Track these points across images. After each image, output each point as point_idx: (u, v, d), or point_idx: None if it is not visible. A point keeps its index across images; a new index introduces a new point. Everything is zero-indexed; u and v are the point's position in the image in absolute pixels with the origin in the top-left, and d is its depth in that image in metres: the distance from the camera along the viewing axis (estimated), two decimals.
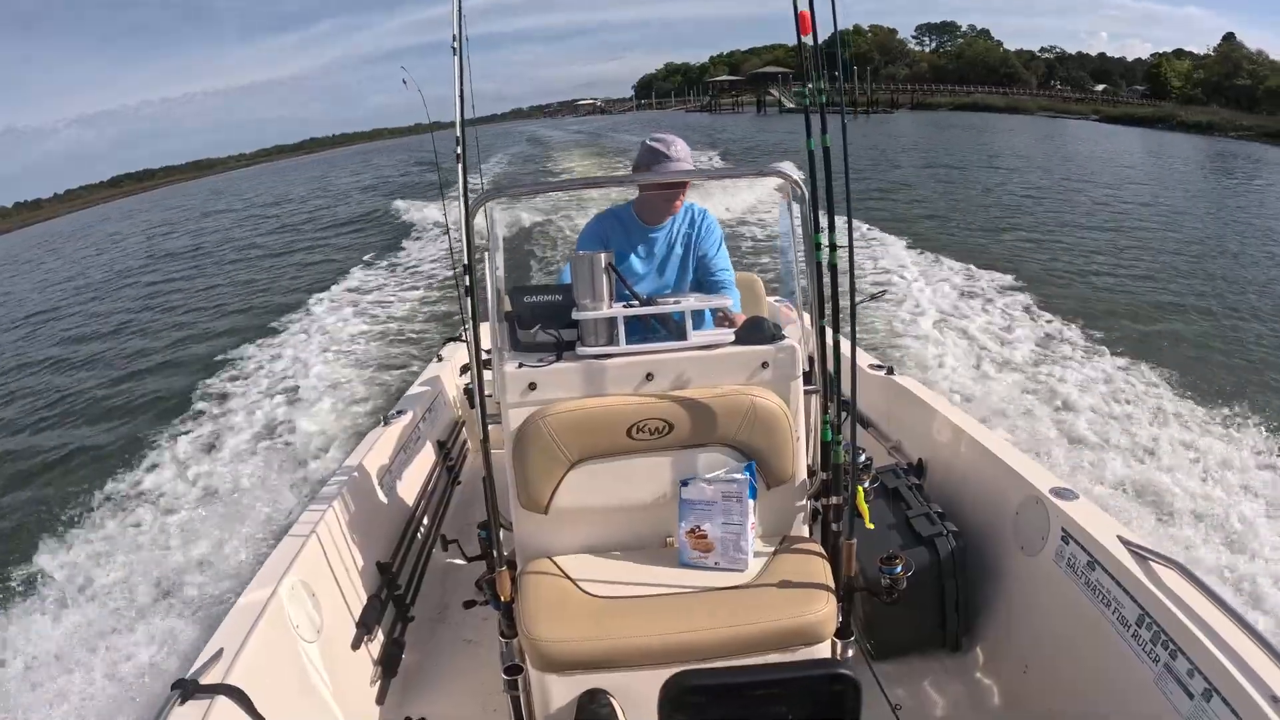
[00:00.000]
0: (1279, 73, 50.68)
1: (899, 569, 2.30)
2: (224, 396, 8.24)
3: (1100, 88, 66.87)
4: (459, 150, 2.29)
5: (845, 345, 2.35)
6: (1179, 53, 63.31)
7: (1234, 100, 47.82)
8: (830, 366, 2.40)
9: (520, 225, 14.39)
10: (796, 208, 2.51)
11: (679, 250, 3.07)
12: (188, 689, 1.90)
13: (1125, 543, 2.26)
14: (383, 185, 31.57)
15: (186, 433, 7.40)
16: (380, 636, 2.80)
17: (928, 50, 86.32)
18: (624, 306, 2.41)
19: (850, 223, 2.25)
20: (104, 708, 3.26)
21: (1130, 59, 70.32)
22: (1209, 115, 44.36)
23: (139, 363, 11.19)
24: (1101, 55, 77.83)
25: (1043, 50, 78.76)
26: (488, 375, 2.55)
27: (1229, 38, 58.65)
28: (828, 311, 2.37)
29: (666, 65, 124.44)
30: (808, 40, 2.27)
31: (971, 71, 73.34)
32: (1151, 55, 65.59)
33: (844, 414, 2.39)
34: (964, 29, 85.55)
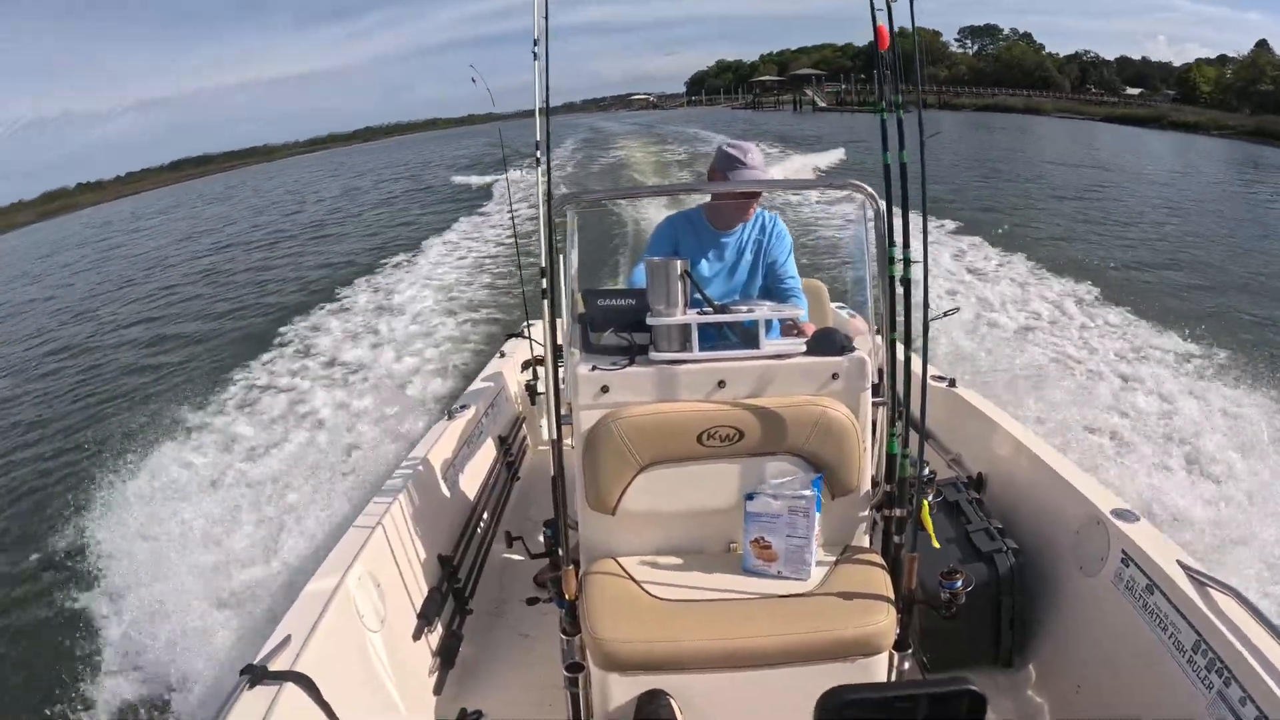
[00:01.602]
0: None
1: (959, 584, 2.22)
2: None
3: (1136, 91, 65.26)
4: (539, 154, 2.25)
5: (914, 359, 2.27)
6: (1223, 58, 61.53)
7: (1260, 105, 47.02)
8: (899, 380, 2.31)
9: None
10: (871, 221, 2.41)
11: (749, 256, 2.98)
12: (256, 674, 1.89)
13: (1185, 568, 2.18)
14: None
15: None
16: (440, 628, 2.77)
17: (970, 53, 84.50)
18: (698, 313, 2.34)
19: (925, 238, 2.15)
20: (174, 688, 3.28)
21: (1179, 64, 68.11)
22: (1197, 116, 46.03)
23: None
24: (1144, 59, 75.42)
25: (1081, 53, 76.68)
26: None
27: (1262, 44, 57.36)
28: (898, 325, 2.28)
29: (718, 63, 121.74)
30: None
31: (1008, 74, 71.84)
32: (1197, 60, 63.80)
33: (910, 427, 2.31)
34: (1006, 32, 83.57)
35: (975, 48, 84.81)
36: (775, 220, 3.01)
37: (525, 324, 4.32)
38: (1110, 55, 76.10)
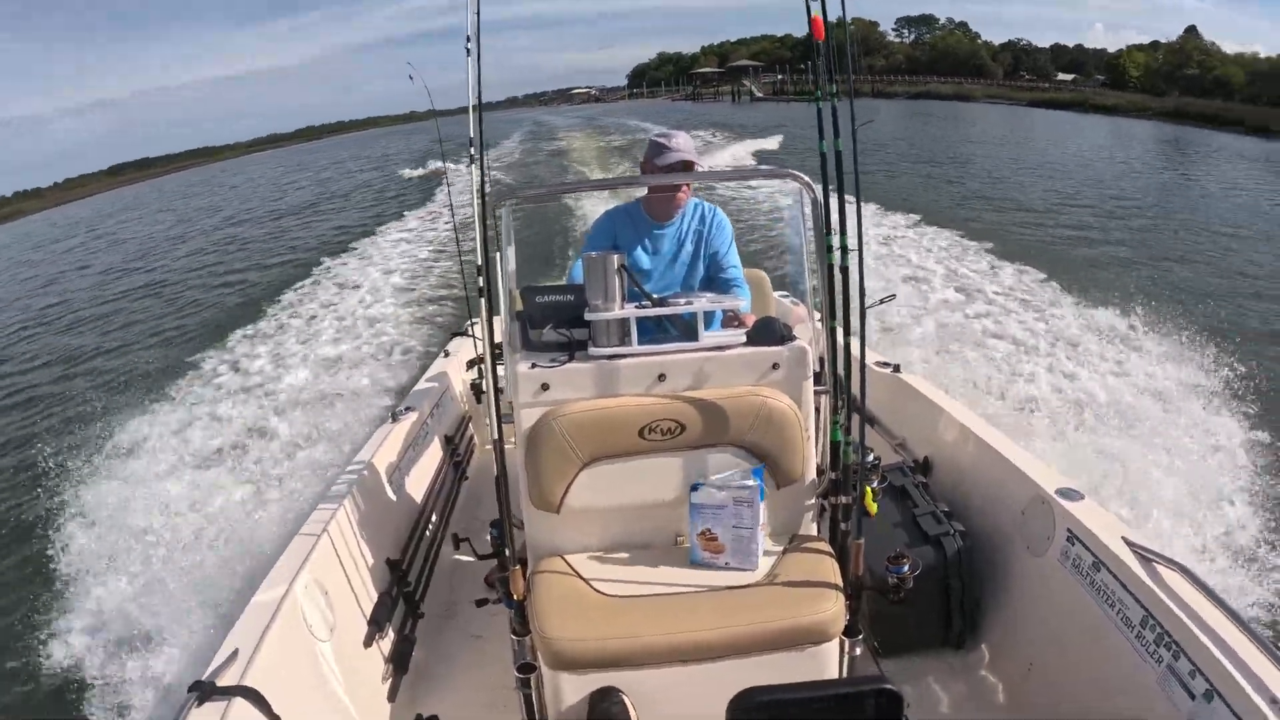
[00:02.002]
0: (1226, 64, 51.36)
1: (906, 568, 2.23)
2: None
3: (1070, 77, 66.64)
4: (473, 151, 2.20)
5: (854, 345, 2.25)
6: (1155, 44, 63.13)
7: (1186, 88, 48.48)
8: (840, 367, 2.29)
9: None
10: (809, 209, 2.39)
11: (689, 247, 2.96)
12: (205, 691, 1.82)
13: (1130, 544, 2.20)
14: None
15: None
16: (391, 634, 2.70)
17: (907, 42, 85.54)
18: (636, 307, 2.30)
19: (860, 225, 2.13)
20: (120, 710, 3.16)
21: (1115, 50, 69.63)
22: (1116, 99, 47.79)
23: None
24: (1079, 46, 76.93)
25: (1015, 41, 78.09)
26: (500, 373, 2.45)
27: (1190, 30, 59.04)
28: (838, 312, 2.26)
29: (659, 55, 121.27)
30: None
31: (943, 62, 72.92)
32: (1129, 46, 65.33)
33: (853, 414, 2.30)
34: (943, 21, 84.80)
35: (912, 37, 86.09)
36: (715, 211, 2.99)
37: (469, 322, 4.24)
38: (1046, 43, 77.72)
